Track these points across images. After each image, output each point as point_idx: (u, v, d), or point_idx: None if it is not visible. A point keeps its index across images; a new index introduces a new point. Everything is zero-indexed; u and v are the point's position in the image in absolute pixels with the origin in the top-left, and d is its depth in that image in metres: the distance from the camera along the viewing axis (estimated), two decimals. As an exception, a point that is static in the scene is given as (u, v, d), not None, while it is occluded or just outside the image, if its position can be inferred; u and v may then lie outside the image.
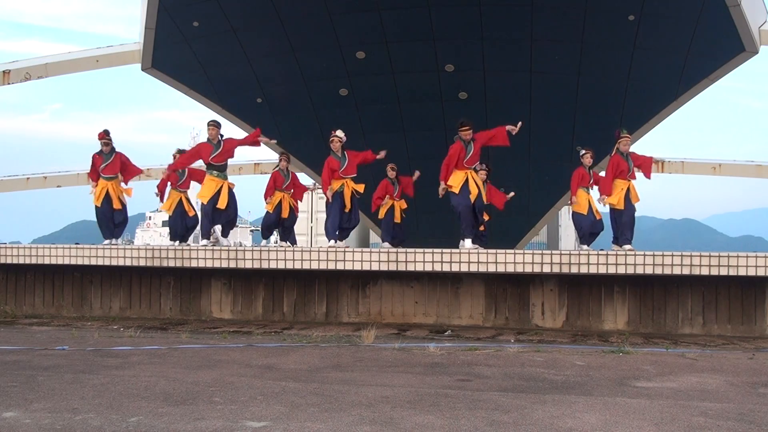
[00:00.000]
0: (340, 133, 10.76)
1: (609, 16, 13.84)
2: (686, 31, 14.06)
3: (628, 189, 10.17)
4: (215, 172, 10.86)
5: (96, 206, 11.42)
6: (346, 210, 10.74)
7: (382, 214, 12.66)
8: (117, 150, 11.62)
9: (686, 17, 13.83)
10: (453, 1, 13.76)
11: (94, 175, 11.48)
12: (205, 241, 10.98)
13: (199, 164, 11.56)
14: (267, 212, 12.23)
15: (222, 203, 10.71)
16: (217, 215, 10.88)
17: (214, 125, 10.94)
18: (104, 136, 11.47)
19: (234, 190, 11.15)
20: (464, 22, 14.14)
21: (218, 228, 11.01)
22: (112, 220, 11.54)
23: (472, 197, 9.89)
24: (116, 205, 11.47)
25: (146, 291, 10.90)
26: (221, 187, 10.79)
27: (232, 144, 10.96)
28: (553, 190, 16.96)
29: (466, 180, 9.98)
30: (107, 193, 11.40)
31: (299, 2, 14.28)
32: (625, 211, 10.14)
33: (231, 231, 11.52)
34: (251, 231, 65.01)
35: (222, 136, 11.01)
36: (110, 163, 11.44)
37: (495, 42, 14.45)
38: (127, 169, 11.71)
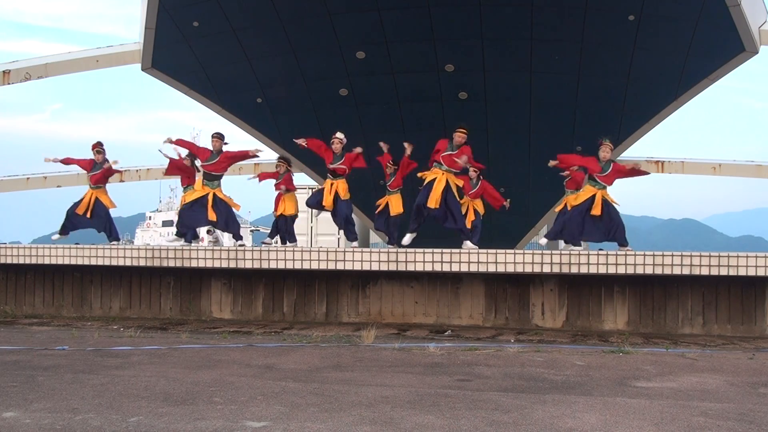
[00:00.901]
0: (340, 134, 10.90)
1: (609, 16, 13.85)
2: (686, 31, 14.07)
3: (594, 197, 9.56)
4: (205, 180, 10.95)
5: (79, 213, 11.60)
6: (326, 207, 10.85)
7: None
8: (108, 161, 11.81)
9: (686, 17, 13.84)
10: (453, 1, 13.77)
11: (74, 161, 11.85)
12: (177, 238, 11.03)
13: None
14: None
15: (211, 215, 10.74)
16: (190, 219, 10.98)
17: (218, 137, 10.98)
18: (98, 146, 11.73)
19: (222, 197, 10.93)
20: (464, 22, 14.14)
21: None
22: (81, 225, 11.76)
23: (432, 201, 9.74)
24: (82, 210, 11.55)
25: (146, 291, 10.90)
26: (207, 195, 10.75)
27: (227, 155, 10.92)
28: (553, 190, 16.97)
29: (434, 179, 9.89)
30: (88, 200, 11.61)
31: (299, 2, 14.29)
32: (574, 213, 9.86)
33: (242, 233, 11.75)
34: (251, 231, 65.01)
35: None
36: (99, 173, 11.66)
37: (495, 42, 14.45)
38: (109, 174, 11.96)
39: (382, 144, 11.63)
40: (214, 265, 10.06)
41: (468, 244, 10.10)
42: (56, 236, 11.69)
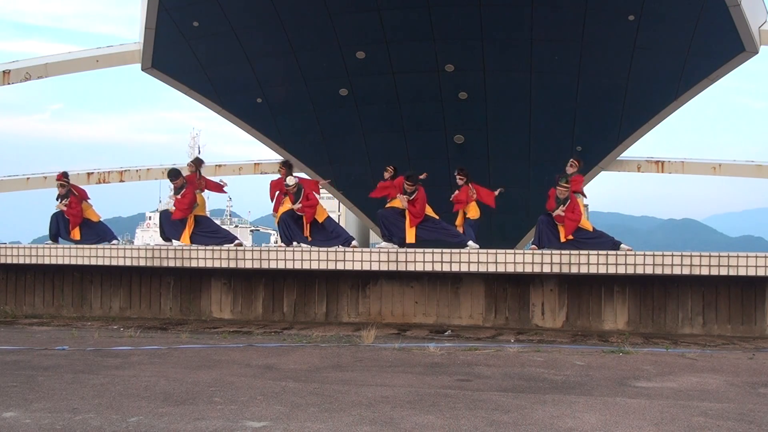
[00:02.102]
0: (290, 180, 10.66)
1: (609, 16, 13.84)
2: (686, 31, 14.06)
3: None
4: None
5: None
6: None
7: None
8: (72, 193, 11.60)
9: (686, 17, 13.83)
10: (453, 1, 13.76)
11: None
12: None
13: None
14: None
15: (185, 239, 10.82)
16: (171, 232, 11.08)
17: (172, 177, 11.08)
18: (62, 178, 11.56)
19: (205, 218, 11.25)
20: (464, 22, 14.13)
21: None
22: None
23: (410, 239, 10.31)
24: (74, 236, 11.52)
25: (146, 291, 10.90)
26: (186, 219, 10.93)
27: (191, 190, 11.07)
28: (553, 190, 17.03)
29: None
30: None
31: (299, 2, 14.28)
32: None
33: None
34: (251, 231, 65.08)
35: (185, 184, 11.05)
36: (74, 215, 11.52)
37: (495, 42, 14.45)
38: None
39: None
40: (214, 265, 10.06)
41: (471, 243, 10.17)
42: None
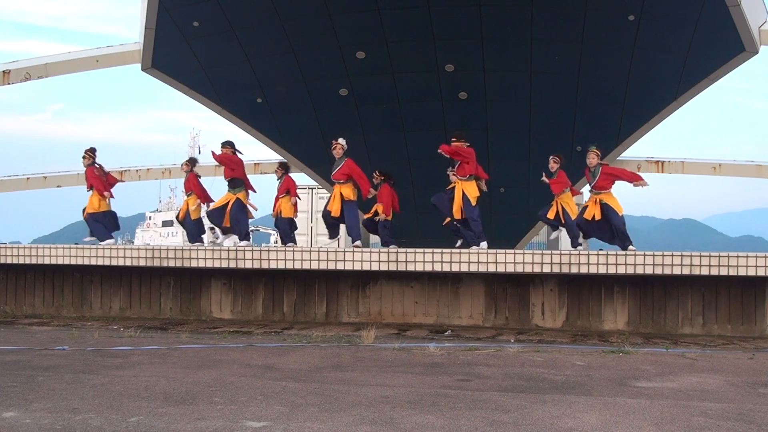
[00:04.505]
0: (342, 140, 10.83)
1: (609, 16, 13.84)
2: (686, 31, 14.06)
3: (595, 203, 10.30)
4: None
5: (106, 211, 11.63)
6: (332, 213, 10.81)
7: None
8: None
9: (686, 17, 13.83)
10: (453, 1, 13.76)
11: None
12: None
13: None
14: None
15: (226, 221, 11.12)
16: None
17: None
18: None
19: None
20: (464, 22, 14.13)
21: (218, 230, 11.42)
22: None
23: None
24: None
25: (146, 291, 10.90)
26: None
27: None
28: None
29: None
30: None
31: (299, 2, 14.28)
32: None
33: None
34: (251, 231, 65.05)
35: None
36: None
37: (495, 42, 14.44)
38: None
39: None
40: (214, 265, 10.06)
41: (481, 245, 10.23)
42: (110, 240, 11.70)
